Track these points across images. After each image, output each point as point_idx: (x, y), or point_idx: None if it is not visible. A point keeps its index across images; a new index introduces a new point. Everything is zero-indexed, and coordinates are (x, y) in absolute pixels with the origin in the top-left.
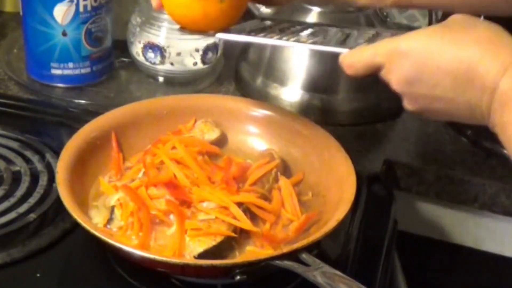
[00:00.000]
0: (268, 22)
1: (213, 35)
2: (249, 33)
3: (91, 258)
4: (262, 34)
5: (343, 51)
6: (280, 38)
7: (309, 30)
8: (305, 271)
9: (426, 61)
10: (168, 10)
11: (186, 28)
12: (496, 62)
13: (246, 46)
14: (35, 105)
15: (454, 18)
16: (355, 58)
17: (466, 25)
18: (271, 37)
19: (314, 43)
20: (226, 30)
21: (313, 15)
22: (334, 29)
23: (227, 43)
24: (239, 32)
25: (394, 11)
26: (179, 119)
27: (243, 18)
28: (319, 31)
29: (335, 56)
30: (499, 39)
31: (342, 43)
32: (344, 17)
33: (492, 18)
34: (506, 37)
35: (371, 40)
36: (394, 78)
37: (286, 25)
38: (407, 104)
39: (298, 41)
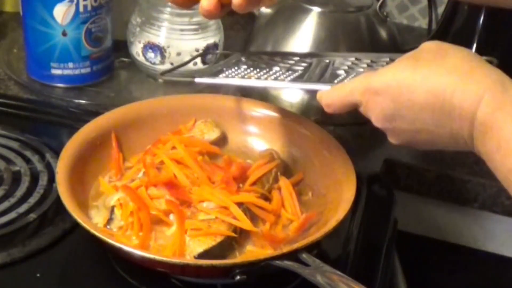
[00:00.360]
0: (245, 63)
1: (192, 80)
2: (227, 74)
3: (91, 258)
4: (240, 72)
5: (321, 88)
6: (259, 78)
7: (289, 63)
8: (305, 271)
9: (401, 97)
10: None
11: None
12: (470, 92)
13: (247, 45)
14: (35, 105)
15: (426, 47)
16: (332, 97)
17: (437, 54)
18: (249, 77)
19: (293, 80)
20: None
21: (313, 15)
22: (315, 59)
23: (227, 43)
24: (216, 74)
25: (394, 11)
26: (179, 119)
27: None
28: (299, 63)
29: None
30: (470, 66)
31: (322, 74)
32: (344, 17)
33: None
34: (477, 63)
35: (350, 70)
36: (373, 116)
37: (266, 59)
38: (391, 139)
39: (276, 79)
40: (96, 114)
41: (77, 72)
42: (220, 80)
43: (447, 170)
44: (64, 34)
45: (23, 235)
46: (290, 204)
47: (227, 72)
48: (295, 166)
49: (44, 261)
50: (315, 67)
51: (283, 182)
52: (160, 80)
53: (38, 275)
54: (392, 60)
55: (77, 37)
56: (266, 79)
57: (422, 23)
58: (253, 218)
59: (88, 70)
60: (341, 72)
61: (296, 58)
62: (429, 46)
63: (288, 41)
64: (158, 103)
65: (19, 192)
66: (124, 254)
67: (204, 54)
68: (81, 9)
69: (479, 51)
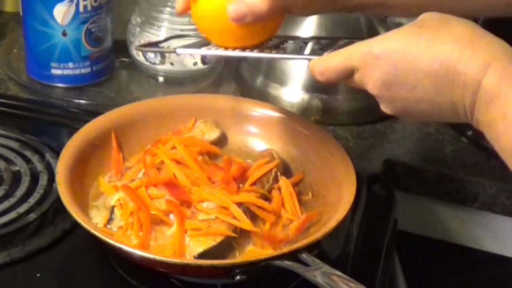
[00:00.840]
0: None
1: (174, 51)
2: (210, 47)
3: (91, 258)
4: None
5: (312, 58)
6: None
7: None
8: (305, 271)
9: (403, 63)
10: (199, 23)
11: (211, 41)
12: (476, 60)
13: None
14: (35, 105)
15: (428, 16)
16: (327, 63)
17: (441, 23)
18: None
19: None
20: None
21: (311, 17)
22: (307, 40)
23: None
24: (201, 46)
25: None
26: (179, 119)
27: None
28: (290, 43)
29: None
30: (476, 36)
31: (312, 52)
32: (344, 17)
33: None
34: (482, 33)
35: (336, 46)
36: (370, 82)
37: None
38: (385, 107)
39: (262, 51)
40: (96, 114)
41: (77, 72)
42: (204, 51)
43: (447, 170)
44: (64, 34)
45: (23, 235)
46: (290, 204)
47: (208, 46)
48: (295, 166)
49: (44, 261)
50: (299, 44)
51: (283, 182)
52: (161, 79)
53: (38, 275)
54: None
55: (77, 37)
56: (251, 51)
57: None
58: (253, 218)
59: (88, 70)
60: (328, 48)
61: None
62: (430, 15)
63: None
64: (158, 103)
65: (19, 192)
66: (124, 254)
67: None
68: (81, 9)
69: None
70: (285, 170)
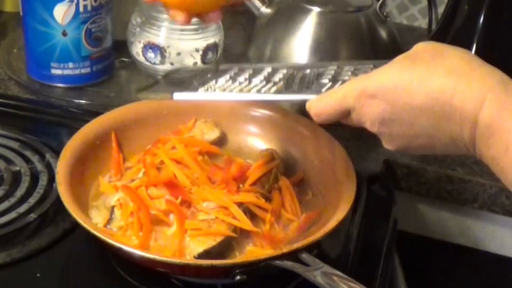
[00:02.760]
0: (227, 73)
1: (171, 98)
2: (206, 87)
3: (91, 258)
4: (220, 85)
5: (309, 97)
6: (241, 90)
7: (270, 76)
8: (305, 271)
9: (399, 100)
10: None
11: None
12: (471, 94)
13: (247, 45)
14: (35, 105)
15: (421, 47)
16: (323, 105)
17: (434, 55)
18: (231, 90)
19: (278, 92)
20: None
21: (313, 15)
22: (295, 71)
23: (227, 43)
24: (195, 89)
25: (394, 11)
26: (179, 119)
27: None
28: (281, 75)
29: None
30: (471, 68)
31: (307, 85)
32: (344, 17)
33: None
34: (477, 64)
35: (335, 78)
36: (368, 121)
37: (247, 70)
38: (387, 144)
39: (259, 91)
40: (96, 114)
41: (77, 72)
42: (201, 95)
43: (447, 170)
44: (64, 34)
45: (23, 235)
46: (290, 204)
47: (206, 86)
48: (295, 166)
49: (44, 261)
50: (298, 77)
51: (283, 182)
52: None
53: (38, 275)
54: (375, 67)
55: (77, 37)
56: (248, 91)
57: (422, 23)
58: (253, 218)
59: (88, 70)
60: (325, 81)
61: (279, 71)
62: (424, 47)
63: (288, 41)
64: (158, 103)
65: (19, 192)
66: (124, 254)
67: (171, 73)
68: (81, 9)
69: (479, 51)
70: (285, 170)
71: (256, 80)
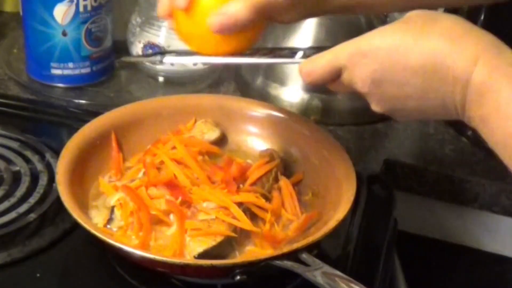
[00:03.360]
0: None
1: (161, 60)
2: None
3: (91, 258)
4: None
5: (300, 61)
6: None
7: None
8: (305, 271)
9: (391, 60)
10: (181, 35)
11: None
12: (464, 53)
13: None
14: (35, 105)
15: (413, 14)
16: (314, 64)
17: (426, 19)
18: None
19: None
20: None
21: None
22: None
23: None
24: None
25: None
26: (179, 119)
27: None
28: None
29: None
30: (463, 29)
31: (303, 56)
32: (344, 17)
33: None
34: (470, 27)
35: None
36: (359, 80)
37: None
38: (376, 106)
39: (253, 57)
40: (96, 114)
41: (77, 72)
42: (192, 58)
43: (447, 170)
44: (64, 34)
45: (23, 235)
46: (290, 204)
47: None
48: (295, 166)
49: (44, 261)
50: (291, 51)
51: (283, 182)
52: (161, 79)
53: (38, 275)
54: None
55: (77, 37)
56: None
57: None
58: (253, 218)
59: (88, 70)
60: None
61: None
62: (417, 13)
63: (288, 41)
64: (158, 103)
65: (19, 192)
66: (124, 254)
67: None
68: (81, 9)
69: None
70: (285, 170)
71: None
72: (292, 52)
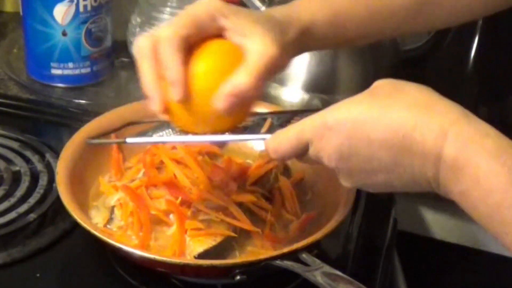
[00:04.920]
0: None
1: (124, 142)
2: (160, 134)
3: (91, 258)
4: (173, 133)
5: (266, 137)
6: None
7: None
8: (305, 271)
9: (357, 133)
10: (181, 125)
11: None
12: (433, 126)
13: None
14: (35, 105)
15: (380, 83)
16: (279, 139)
17: (394, 89)
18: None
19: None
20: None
21: None
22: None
23: None
24: (150, 134)
25: None
26: None
27: None
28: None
29: (336, 56)
30: (431, 101)
31: (269, 130)
32: None
33: None
34: (437, 98)
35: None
36: (326, 155)
37: None
38: (344, 180)
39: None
40: (96, 114)
41: (77, 72)
42: (154, 139)
43: None
44: (64, 34)
45: (23, 235)
46: (290, 204)
47: (160, 133)
48: (295, 166)
49: (44, 261)
50: (256, 123)
51: (283, 182)
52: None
53: (38, 275)
54: None
55: (77, 37)
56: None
57: None
58: (253, 218)
59: (88, 70)
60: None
61: None
62: (382, 83)
63: None
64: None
65: (19, 192)
66: (124, 254)
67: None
68: (81, 9)
69: (479, 51)
70: (285, 170)
71: None
72: (259, 119)
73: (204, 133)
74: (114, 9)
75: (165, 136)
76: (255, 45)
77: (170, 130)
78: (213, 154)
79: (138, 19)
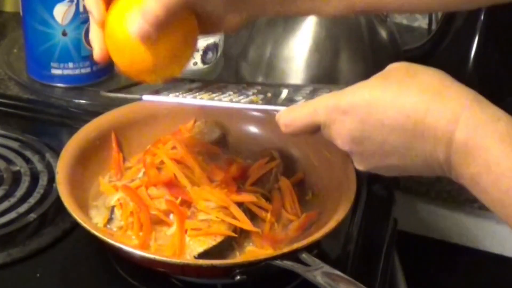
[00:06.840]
0: (195, 85)
1: (140, 99)
2: (177, 94)
3: (91, 258)
4: (190, 96)
5: (280, 108)
6: (211, 99)
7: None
8: (305, 271)
9: (370, 118)
10: (114, 58)
11: (130, 76)
12: (445, 112)
13: (246, 45)
14: (35, 105)
15: (394, 67)
16: (293, 116)
17: (407, 74)
18: (201, 98)
19: (249, 102)
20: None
21: (311, 17)
22: (269, 88)
23: (227, 43)
24: (167, 93)
25: None
26: (179, 119)
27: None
28: (255, 90)
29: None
30: (444, 86)
31: (281, 102)
32: (344, 18)
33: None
34: (450, 83)
35: (308, 97)
36: (339, 138)
37: (216, 86)
38: (357, 163)
39: (231, 100)
40: (96, 114)
41: (77, 72)
42: (170, 99)
43: None
44: (64, 34)
45: (23, 235)
46: (290, 204)
47: (176, 93)
48: (295, 166)
49: (44, 261)
50: (271, 92)
51: (283, 182)
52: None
53: (38, 275)
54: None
55: (77, 37)
56: (219, 100)
57: (422, 23)
58: (253, 218)
59: (88, 70)
60: (299, 98)
61: (249, 88)
62: (397, 66)
63: (288, 41)
64: (158, 103)
65: (19, 192)
66: (124, 254)
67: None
68: (81, 9)
69: (479, 51)
70: (285, 170)
71: (230, 92)
72: (276, 90)
73: (152, 79)
74: None
75: (181, 97)
76: None
77: (185, 90)
78: (213, 154)
79: None
